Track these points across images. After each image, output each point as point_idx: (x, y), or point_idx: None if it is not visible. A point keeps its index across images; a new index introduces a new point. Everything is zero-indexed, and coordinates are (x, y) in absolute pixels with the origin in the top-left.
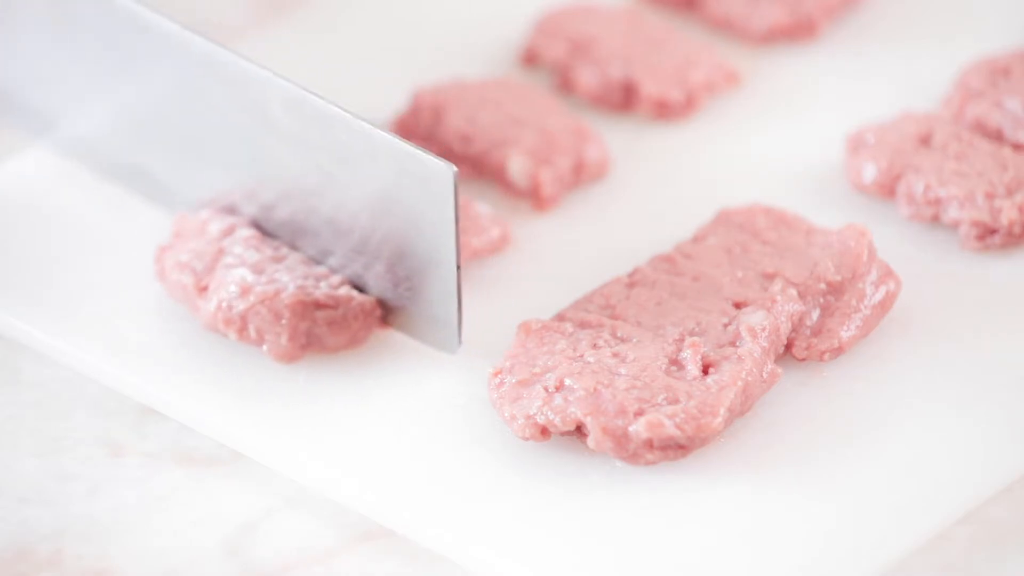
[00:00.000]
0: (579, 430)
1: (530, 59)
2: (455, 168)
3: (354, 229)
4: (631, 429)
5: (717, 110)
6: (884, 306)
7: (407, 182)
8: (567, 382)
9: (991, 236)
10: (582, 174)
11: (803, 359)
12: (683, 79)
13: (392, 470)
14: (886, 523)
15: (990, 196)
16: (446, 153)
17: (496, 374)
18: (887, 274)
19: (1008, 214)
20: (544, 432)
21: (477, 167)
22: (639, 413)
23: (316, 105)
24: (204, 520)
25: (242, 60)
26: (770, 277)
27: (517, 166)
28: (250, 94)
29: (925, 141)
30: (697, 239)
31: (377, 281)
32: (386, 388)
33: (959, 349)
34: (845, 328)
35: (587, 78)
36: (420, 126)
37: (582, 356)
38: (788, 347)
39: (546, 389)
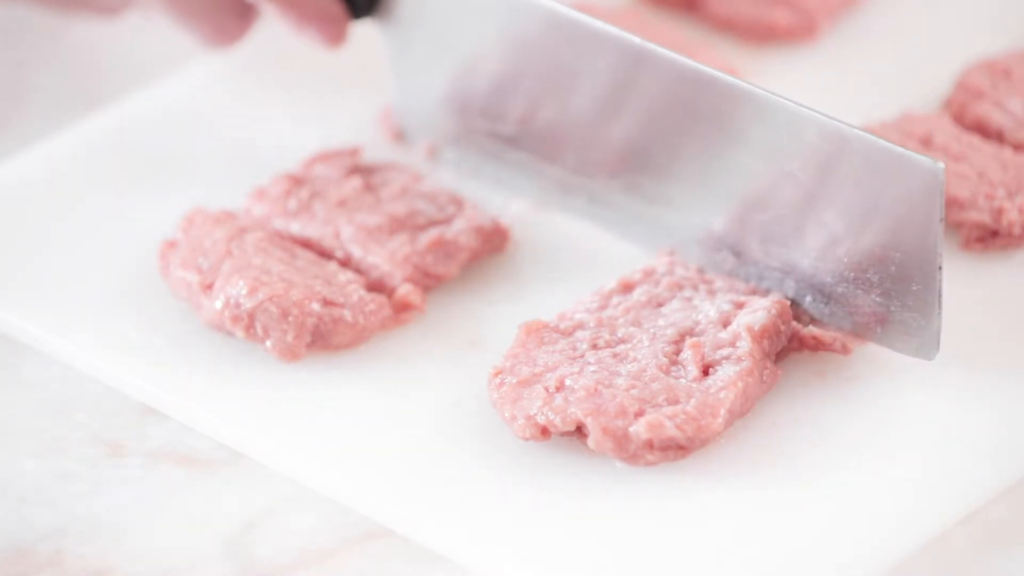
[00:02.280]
0: (579, 430)
1: None
2: (942, 165)
3: (825, 238)
4: (631, 430)
5: None
6: None
7: (886, 183)
8: (567, 382)
9: (992, 237)
10: None
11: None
12: None
13: (392, 470)
14: (886, 524)
15: (991, 197)
16: None
17: (496, 374)
18: None
19: (1009, 215)
20: (544, 432)
21: None
22: (639, 414)
23: (788, 109)
24: (204, 520)
25: (705, 67)
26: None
27: None
28: (715, 103)
29: (925, 142)
30: None
31: (845, 292)
32: (387, 388)
33: (959, 349)
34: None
35: None
36: None
37: (582, 356)
38: (787, 349)
39: (546, 389)
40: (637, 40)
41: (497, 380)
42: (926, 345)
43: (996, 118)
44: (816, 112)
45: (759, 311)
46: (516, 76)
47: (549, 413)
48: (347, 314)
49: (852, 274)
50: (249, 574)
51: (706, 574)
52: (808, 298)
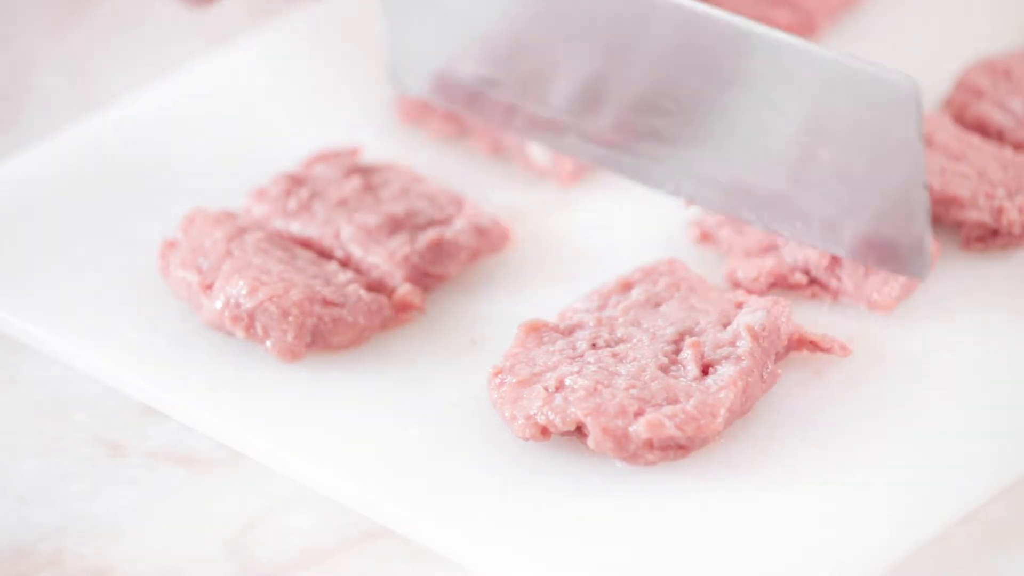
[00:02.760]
0: (579, 430)
1: None
2: (917, 81)
3: (809, 164)
4: (631, 429)
5: None
6: None
7: (862, 101)
8: (567, 382)
9: (992, 237)
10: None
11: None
12: None
13: (392, 470)
14: (886, 523)
15: (991, 197)
16: (466, 130)
17: (496, 374)
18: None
19: (1009, 215)
20: (544, 432)
21: (497, 146)
22: (639, 413)
23: (761, 34)
24: (204, 520)
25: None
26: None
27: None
28: (694, 34)
29: (925, 142)
30: None
31: (835, 215)
32: (387, 388)
33: (959, 349)
34: (889, 288)
35: None
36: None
37: (582, 356)
38: (787, 348)
39: (546, 389)
40: None
41: (497, 380)
42: (919, 262)
43: (996, 118)
44: (791, 38)
45: (759, 311)
46: (511, 18)
47: (549, 413)
48: (347, 314)
49: (843, 197)
50: (249, 574)
51: (706, 574)
52: (797, 224)
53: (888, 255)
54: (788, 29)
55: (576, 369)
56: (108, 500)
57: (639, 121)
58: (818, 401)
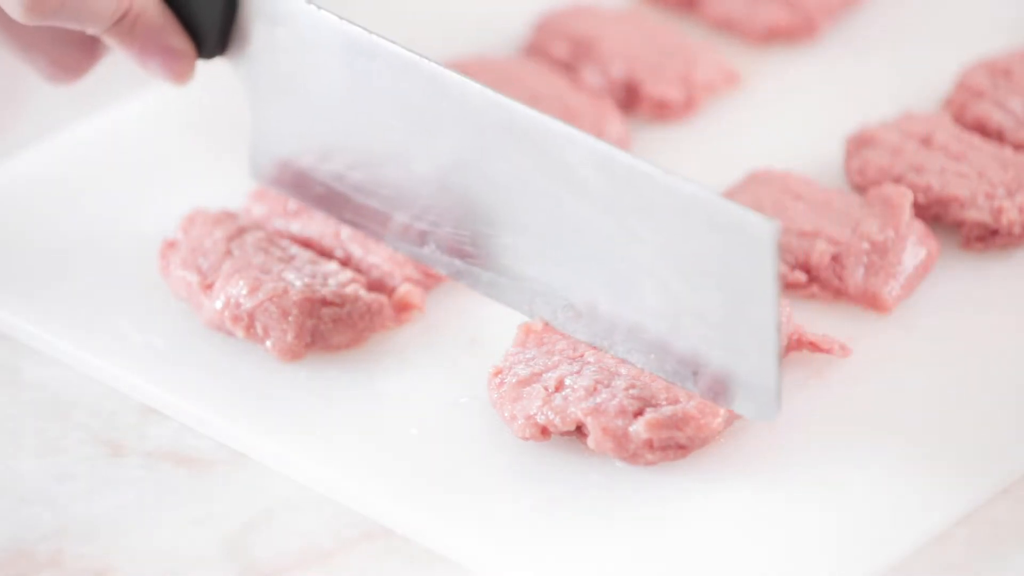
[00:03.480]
0: (579, 430)
1: (532, 58)
2: (777, 223)
3: (659, 294)
4: (631, 429)
5: (717, 110)
6: (926, 267)
7: (720, 239)
8: (567, 382)
9: (992, 237)
10: None
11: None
12: (683, 79)
13: (392, 470)
14: (886, 523)
15: (991, 197)
16: None
17: (496, 374)
18: (926, 235)
19: (1009, 215)
20: (544, 432)
21: None
22: (639, 413)
23: (624, 162)
24: (204, 520)
25: (546, 118)
26: (809, 236)
27: None
28: (552, 153)
29: (925, 142)
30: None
31: (680, 343)
32: (387, 388)
33: (959, 349)
34: (889, 287)
35: (589, 78)
36: None
37: (581, 356)
38: (787, 349)
39: (546, 389)
40: (486, 93)
41: (496, 380)
42: (766, 406)
43: (996, 118)
44: (653, 167)
45: None
46: (360, 122)
47: (549, 413)
48: (347, 314)
49: (692, 334)
50: (249, 574)
51: (706, 574)
52: (651, 356)
53: (737, 393)
54: (788, 29)
55: (576, 369)
56: (108, 500)
57: (493, 238)
58: (818, 401)
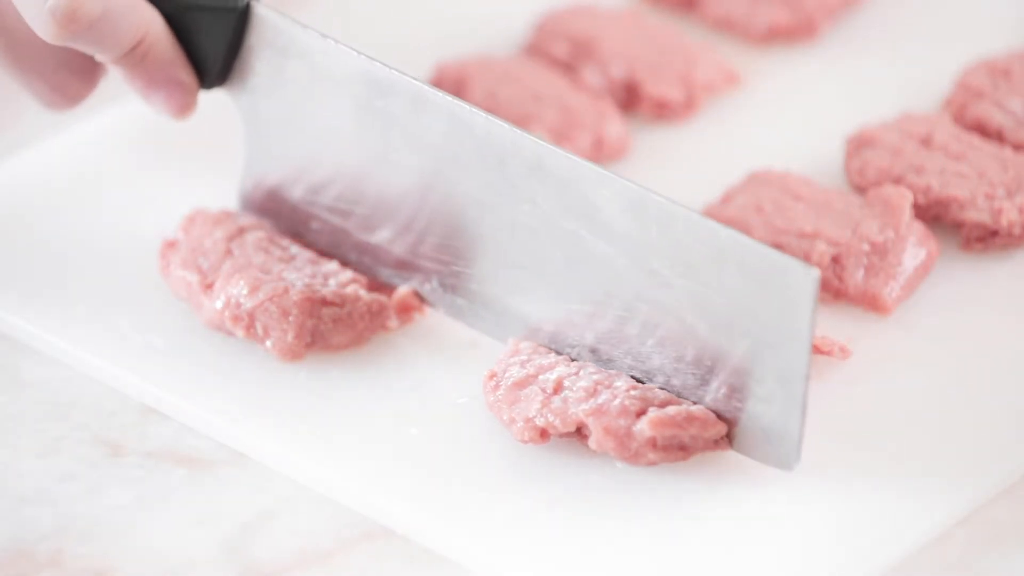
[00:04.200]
0: (579, 431)
1: (532, 58)
2: (817, 272)
3: (689, 341)
4: (635, 428)
5: (717, 110)
6: (926, 268)
7: (757, 287)
8: (566, 383)
9: (992, 237)
10: (602, 151)
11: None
12: (683, 79)
13: (392, 470)
14: (886, 523)
15: (990, 197)
16: None
17: (491, 377)
18: (926, 236)
19: (1009, 215)
20: (544, 434)
21: None
22: (642, 412)
23: (658, 204)
24: (204, 520)
25: (572, 157)
26: (809, 237)
27: None
28: (579, 194)
29: (925, 142)
30: (726, 199)
31: (705, 393)
32: (387, 388)
33: (959, 349)
34: (890, 288)
35: (589, 78)
36: None
37: (579, 358)
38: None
39: (544, 391)
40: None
41: (492, 383)
42: (787, 455)
43: (996, 118)
44: (684, 208)
45: None
46: (373, 157)
47: (548, 415)
48: (347, 314)
49: (714, 378)
50: (249, 574)
51: (706, 574)
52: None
53: (758, 440)
54: (788, 29)
55: (574, 371)
56: (108, 500)
57: (504, 279)
58: (818, 401)
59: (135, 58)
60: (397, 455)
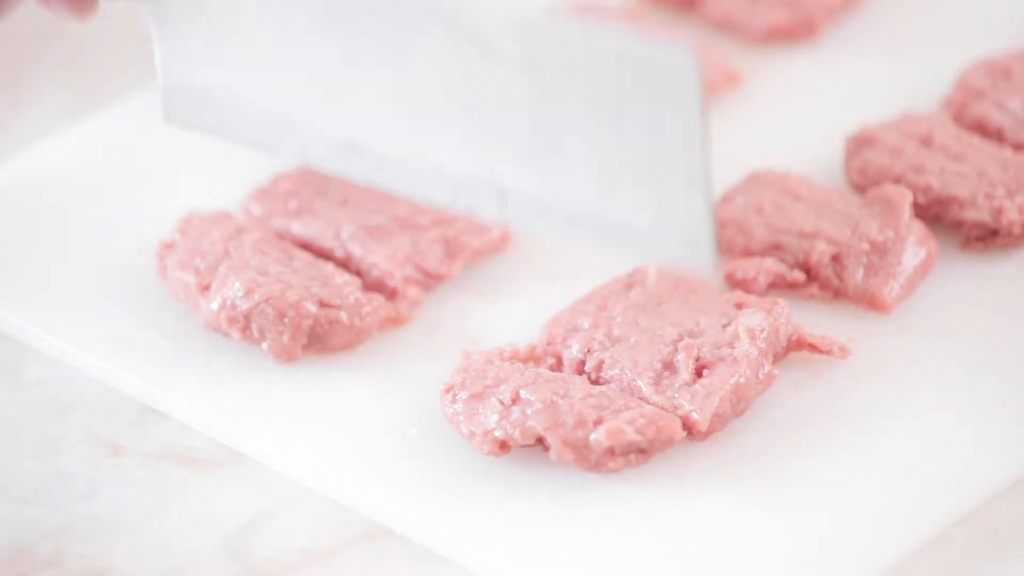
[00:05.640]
0: (540, 441)
1: None
2: (698, 60)
3: (587, 150)
4: (592, 438)
5: (717, 110)
6: (925, 268)
7: (640, 85)
8: (523, 394)
9: (992, 237)
10: None
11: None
12: None
13: (391, 470)
14: (885, 524)
15: (991, 197)
16: None
17: (447, 390)
18: (926, 235)
19: (1009, 215)
20: (503, 447)
21: None
22: (598, 422)
23: (545, 23)
24: (204, 520)
25: None
26: (809, 236)
27: None
28: (467, 24)
29: (925, 141)
30: (726, 199)
31: (612, 203)
32: (386, 388)
33: (959, 349)
34: (889, 288)
35: None
36: None
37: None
38: (786, 349)
39: (501, 402)
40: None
41: (448, 396)
42: (702, 253)
43: (996, 118)
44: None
45: (758, 313)
46: (283, 39)
47: (508, 427)
48: (343, 316)
49: (618, 187)
50: (249, 574)
51: (705, 574)
52: (582, 228)
53: (672, 242)
54: (788, 29)
55: (530, 380)
56: (108, 500)
57: (410, 127)
58: (818, 401)
59: None
60: (396, 455)
